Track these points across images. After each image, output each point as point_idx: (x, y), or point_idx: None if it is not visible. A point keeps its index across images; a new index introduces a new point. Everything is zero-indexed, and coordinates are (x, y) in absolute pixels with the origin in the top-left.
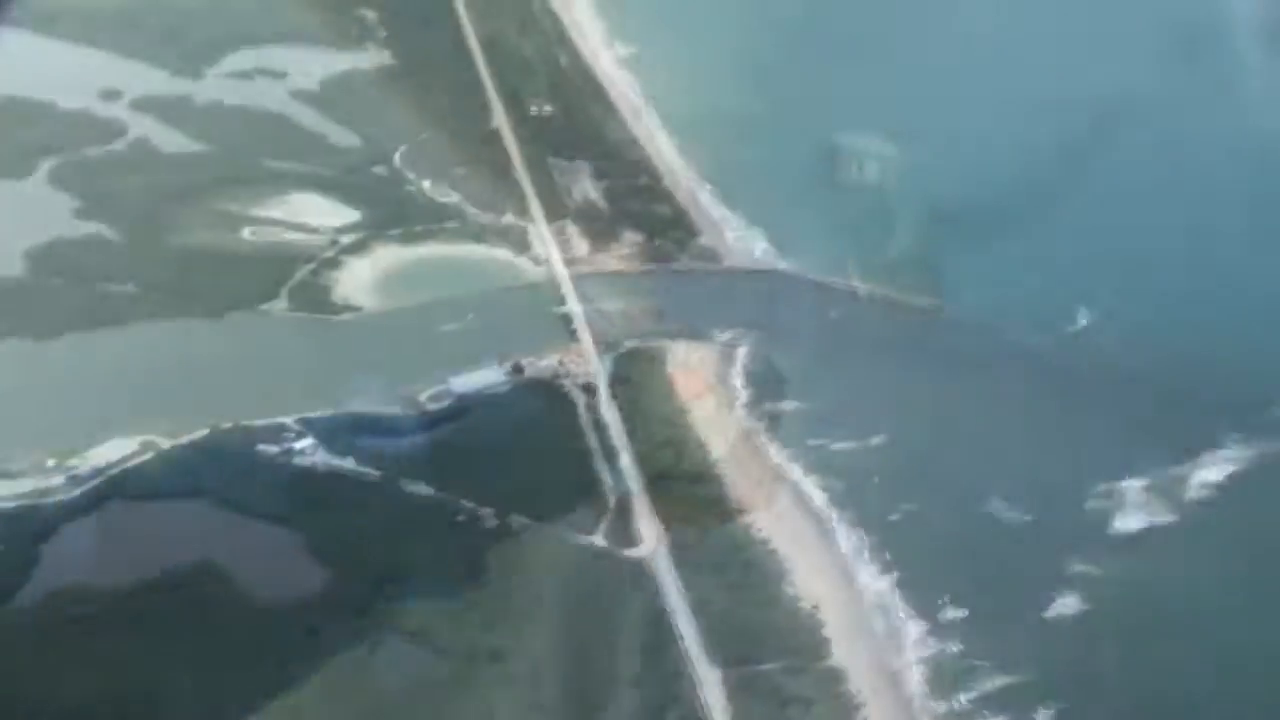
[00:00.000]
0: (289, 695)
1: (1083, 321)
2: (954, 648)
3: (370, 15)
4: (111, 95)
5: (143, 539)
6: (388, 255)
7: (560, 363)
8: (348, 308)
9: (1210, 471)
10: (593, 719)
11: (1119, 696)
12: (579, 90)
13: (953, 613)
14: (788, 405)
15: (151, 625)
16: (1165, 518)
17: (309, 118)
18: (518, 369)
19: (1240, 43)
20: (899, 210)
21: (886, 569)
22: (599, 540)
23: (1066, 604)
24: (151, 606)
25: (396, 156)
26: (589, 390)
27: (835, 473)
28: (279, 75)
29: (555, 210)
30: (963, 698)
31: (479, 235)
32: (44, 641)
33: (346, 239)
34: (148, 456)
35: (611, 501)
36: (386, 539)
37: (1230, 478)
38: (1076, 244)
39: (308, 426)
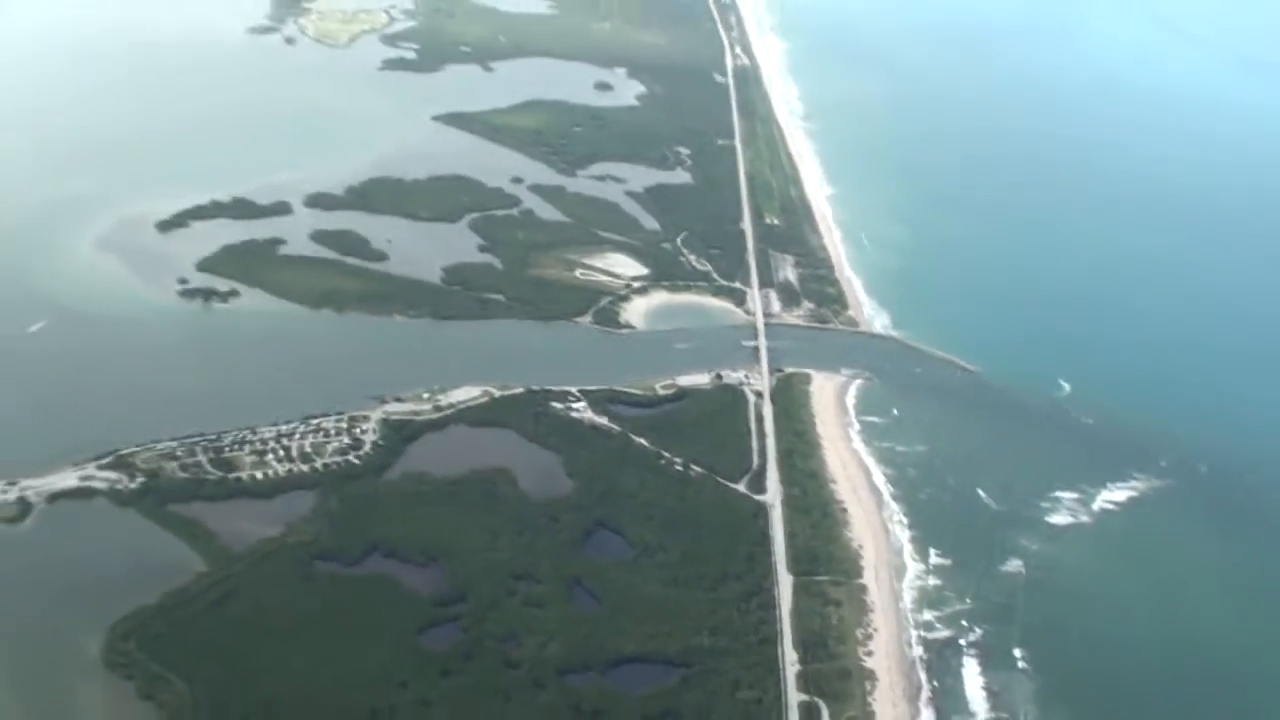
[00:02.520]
0: (531, 557)
1: (1065, 390)
2: (935, 582)
3: (683, 151)
4: (517, 180)
5: (467, 449)
6: (658, 298)
7: (745, 376)
8: (626, 326)
9: (1115, 494)
10: (707, 594)
11: (1029, 630)
12: (797, 211)
13: (939, 560)
14: (874, 419)
15: (459, 502)
16: (1083, 519)
17: (632, 208)
18: (718, 376)
19: None
20: (968, 313)
21: (906, 528)
22: (741, 488)
23: (1012, 565)
24: (462, 490)
25: (679, 238)
26: (758, 395)
27: (892, 465)
28: (620, 180)
29: (765, 282)
30: (932, 614)
31: (716, 292)
32: (395, 503)
33: (636, 285)
34: (484, 400)
35: (754, 464)
36: (613, 469)
37: (1127, 499)
38: (1072, 344)
39: (584, 395)
